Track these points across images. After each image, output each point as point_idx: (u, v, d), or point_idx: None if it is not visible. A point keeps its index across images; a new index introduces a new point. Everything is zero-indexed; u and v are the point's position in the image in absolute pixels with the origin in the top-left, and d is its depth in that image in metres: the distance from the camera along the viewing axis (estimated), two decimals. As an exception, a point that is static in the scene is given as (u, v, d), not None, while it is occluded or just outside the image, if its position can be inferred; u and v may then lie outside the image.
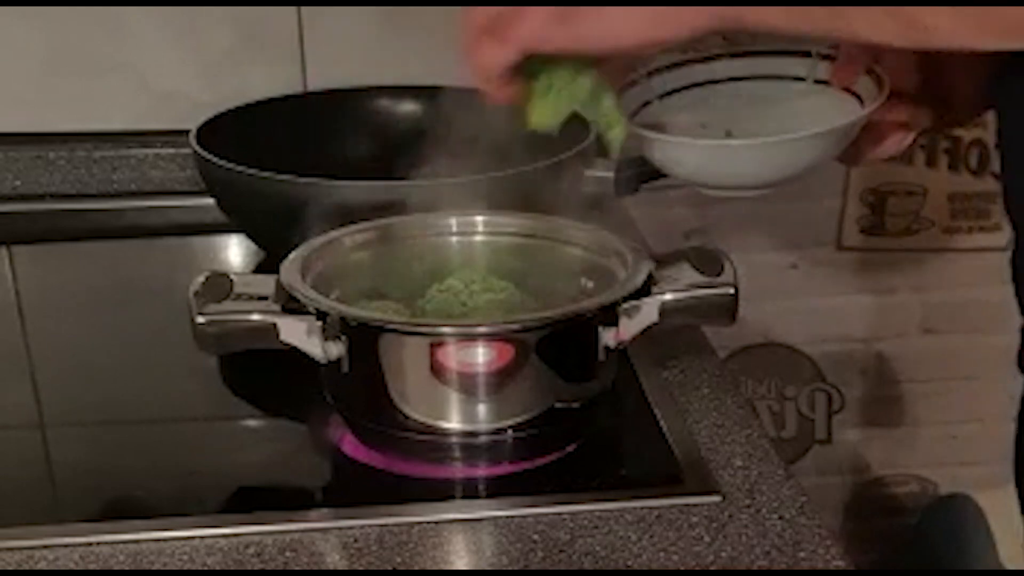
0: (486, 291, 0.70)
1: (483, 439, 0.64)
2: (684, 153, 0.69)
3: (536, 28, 0.59)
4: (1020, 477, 0.72)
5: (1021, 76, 0.61)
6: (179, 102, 1.06)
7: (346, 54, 1.08)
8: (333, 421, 0.70)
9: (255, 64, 1.07)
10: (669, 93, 0.76)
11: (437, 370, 0.62)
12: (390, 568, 0.59)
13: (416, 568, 0.59)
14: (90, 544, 0.60)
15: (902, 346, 1.45)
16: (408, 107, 1.05)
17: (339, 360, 0.64)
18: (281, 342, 0.64)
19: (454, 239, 0.74)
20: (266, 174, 0.83)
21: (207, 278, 0.65)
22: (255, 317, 0.64)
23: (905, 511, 1.50)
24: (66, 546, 0.60)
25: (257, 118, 0.99)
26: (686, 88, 0.76)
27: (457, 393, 0.63)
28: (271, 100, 1.02)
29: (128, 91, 1.07)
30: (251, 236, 0.94)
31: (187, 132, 0.91)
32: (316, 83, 1.08)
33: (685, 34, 0.57)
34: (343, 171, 0.86)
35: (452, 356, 0.62)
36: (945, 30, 0.52)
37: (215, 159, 0.86)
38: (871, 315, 1.42)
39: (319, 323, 0.63)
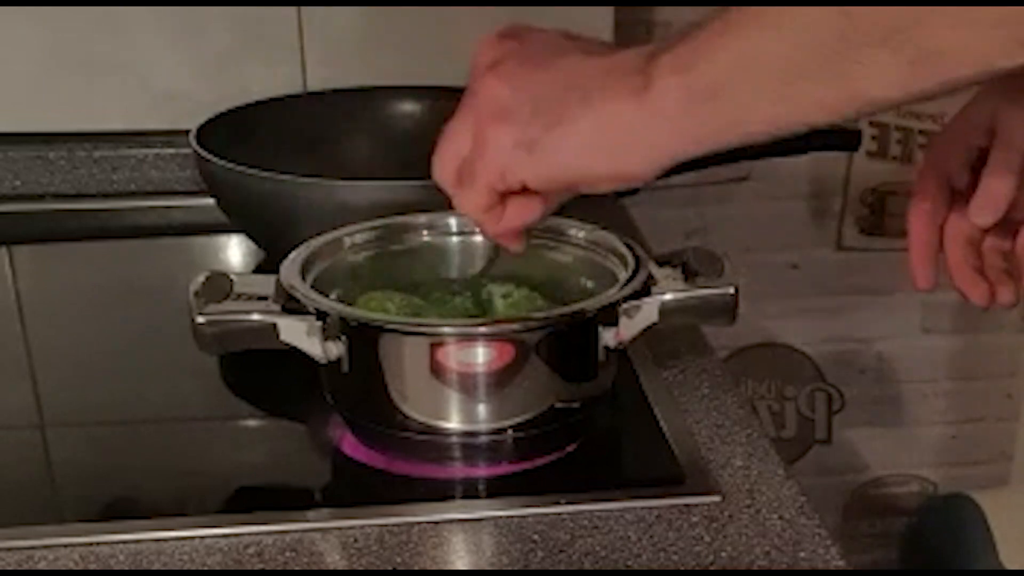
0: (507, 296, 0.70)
1: (483, 439, 0.64)
2: None
3: (502, 161, 0.55)
4: None
5: None
6: (179, 102, 1.06)
7: (346, 54, 1.08)
8: (333, 421, 0.70)
9: (255, 64, 1.07)
10: None
11: (437, 370, 0.62)
12: (390, 568, 0.59)
13: (416, 568, 0.59)
14: (90, 544, 0.60)
15: (902, 346, 1.45)
16: (408, 107, 1.05)
17: (339, 360, 0.64)
18: (281, 342, 0.64)
19: (454, 239, 0.74)
20: (266, 174, 0.83)
21: (207, 278, 0.65)
22: (255, 317, 0.64)
23: (905, 511, 1.50)
24: (66, 546, 0.60)
25: (257, 118, 0.98)
26: None
27: (457, 393, 0.63)
28: (271, 100, 1.02)
29: (128, 91, 1.07)
30: (251, 236, 0.94)
31: (187, 132, 0.91)
32: (316, 83, 1.08)
33: (664, 165, 0.53)
34: (343, 171, 0.86)
35: (452, 356, 0.62)
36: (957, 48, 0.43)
37: (215, 159, 0.86)
38: (871, 315, 1.43)
39: (319, 323, 0.63)
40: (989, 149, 0.68)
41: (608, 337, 0.65)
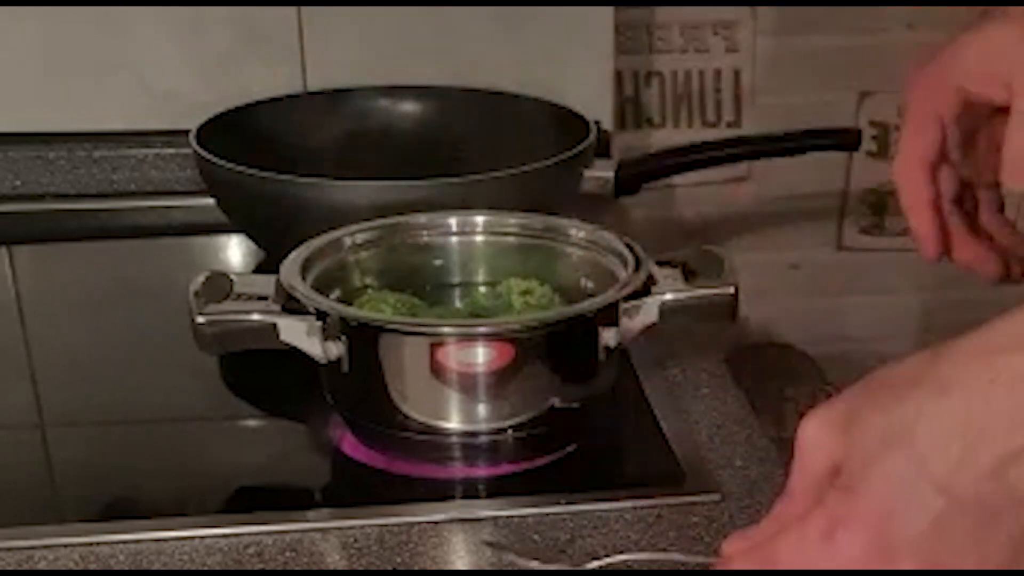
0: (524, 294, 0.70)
1: (483, 439, 0.64)
2: None
3: None
4: None
5: None
6: (179, 102, 1.05)
7: (346, 54, 1.08)
8: (333, 421, 0.70)
9: (255, 64, 1.07)
10: None
11: (437, 370, 0.62)
12: (390, 568, 0.59)
13: (416, 568, 0.59)
14: (90, 544, 0.60)
15: (902, 346, 1.44)
16: (408, 107, 1.05)
17: (339, 360, 0.64)
18: (281, 342, 0.64)
19: (454, 239, 0.74)
20: (266, 174, 0.83)
21: (207, 278, 0.65)
22: (255, 317, 0.64)
23: (905, 511, 1.50)
24: (66, 546, 0.60)
25: (257, 118, 0.99)
26: None
27: (457, 393, 0.63)
28: (271, 100, 1.02)
29: (128, 91, 1.07)
30: (251, 236, 0.94)
31: (187, 132, 0.91)
32: (316, 83, 1.08)
33: None
34: (343, 171, 0.86)
35: (452, 356, 0.62)
36: None
37: (215, 159, 0.86)
38: (871, 315, 1.42)
39: (319, 323, 0.63)
40: (984, 99, 0.59)
41: (608, 337, 0.65)
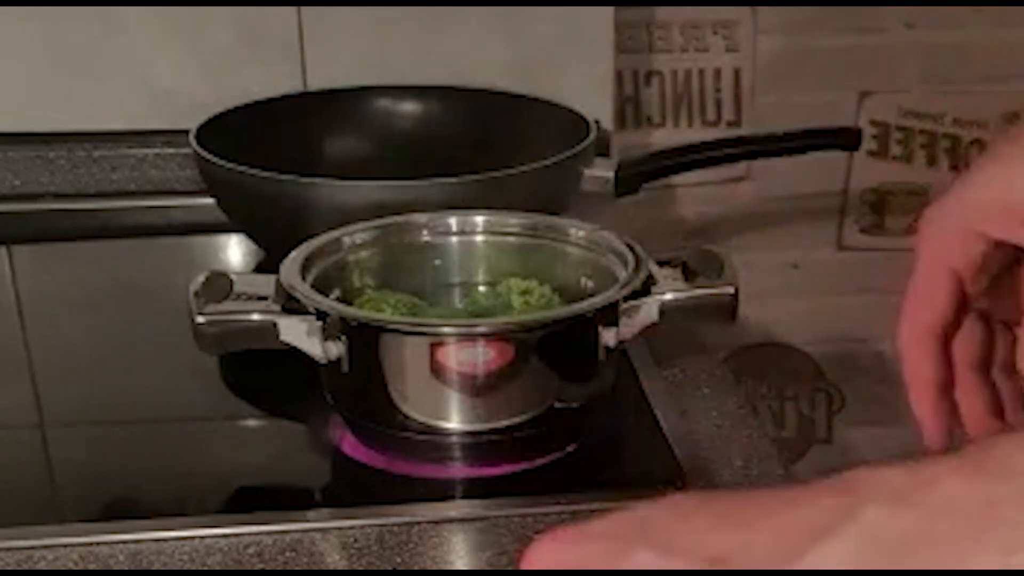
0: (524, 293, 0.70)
1: (483, 439, 0.64)
2: None
3: None
4: None
5: None
6: (179, 102, 1.05)
7: (346, 54, 1.08)
8: (333, 421, 0.70)
9: (255, 64, 1.07)
10: None
11: (437, 370, 0.62)
12: (390, 568, 0.59)
13: (416, 568, 0.59)
14: (90, 544, 0.60)
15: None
16: (408, 107, 1.05)
17: (339, 360, 0.64)
18: (281, 342, 0.64)
19: (454, 239, 0.74)
20: (266, 174, 0.83)
21: (207, 278, 0.65)
22: (255, 317, 0.64)
23: (905, 511, 1.50)
24: (66, 546, 0.60)
25: (257, 118, 0.98)
26: None
27: (457, 393, 0.63)
28: (271, 100, 1.02)
29: (128, 91, 1.07)
30: (251, 236, 0.94)
31: (187, 132, 0.91)
32: (316, 83, 1.08)
33: None
34: (343, 171, 0.86)
35: (452, 356, 0.62)
36: None
37: (215, 159, 0.86)
38: (871, 315, 1.42)
39: (319, 323, 0.63)
40: (1012, 242, 0.49)
41: (608, 337, 0.65)
